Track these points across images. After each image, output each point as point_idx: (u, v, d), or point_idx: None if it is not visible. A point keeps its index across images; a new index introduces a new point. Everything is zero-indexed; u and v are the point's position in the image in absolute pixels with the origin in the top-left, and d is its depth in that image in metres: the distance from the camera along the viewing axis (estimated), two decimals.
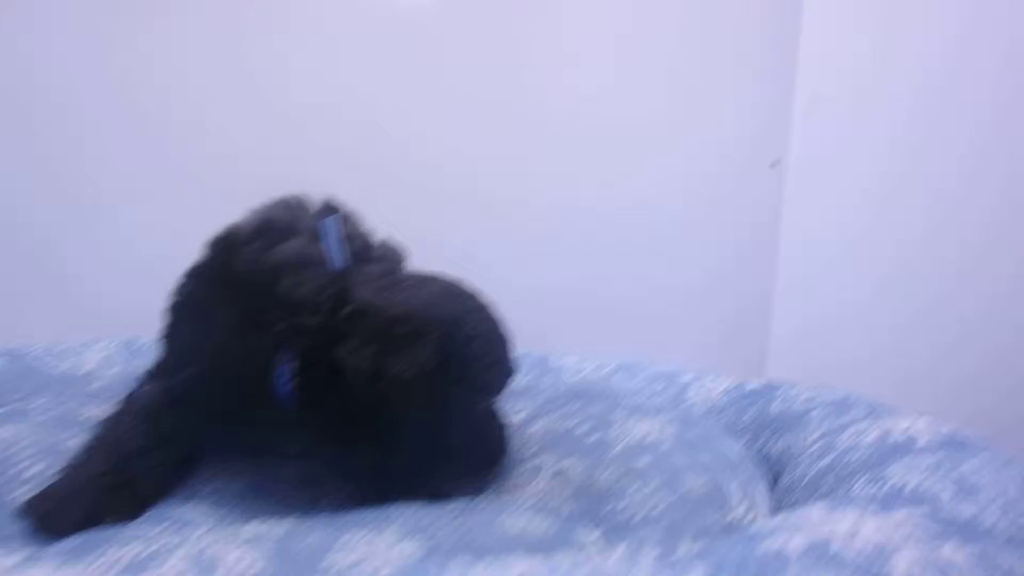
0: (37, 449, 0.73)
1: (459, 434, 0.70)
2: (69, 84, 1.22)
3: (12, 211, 1.23)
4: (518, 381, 0.91)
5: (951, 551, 0.48)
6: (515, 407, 0.86)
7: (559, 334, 1.27)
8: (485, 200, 1.28)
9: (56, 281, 1.23)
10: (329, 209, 0.77)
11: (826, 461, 0.66)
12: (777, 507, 0.68)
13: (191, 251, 0.74)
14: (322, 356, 0.64)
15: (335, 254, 0.72)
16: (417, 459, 0.69)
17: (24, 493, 0.66)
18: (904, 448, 0.62)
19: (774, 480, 0.74)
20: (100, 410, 0.79)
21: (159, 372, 0.76)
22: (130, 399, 0.76)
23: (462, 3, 1.27)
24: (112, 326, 1.02)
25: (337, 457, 0.73)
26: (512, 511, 0.65)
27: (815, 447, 0.70)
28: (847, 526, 0.50)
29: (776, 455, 0.75)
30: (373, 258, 0.76)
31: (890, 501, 0.54)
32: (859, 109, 1.27)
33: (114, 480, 0.66)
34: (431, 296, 0.70)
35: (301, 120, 1.25)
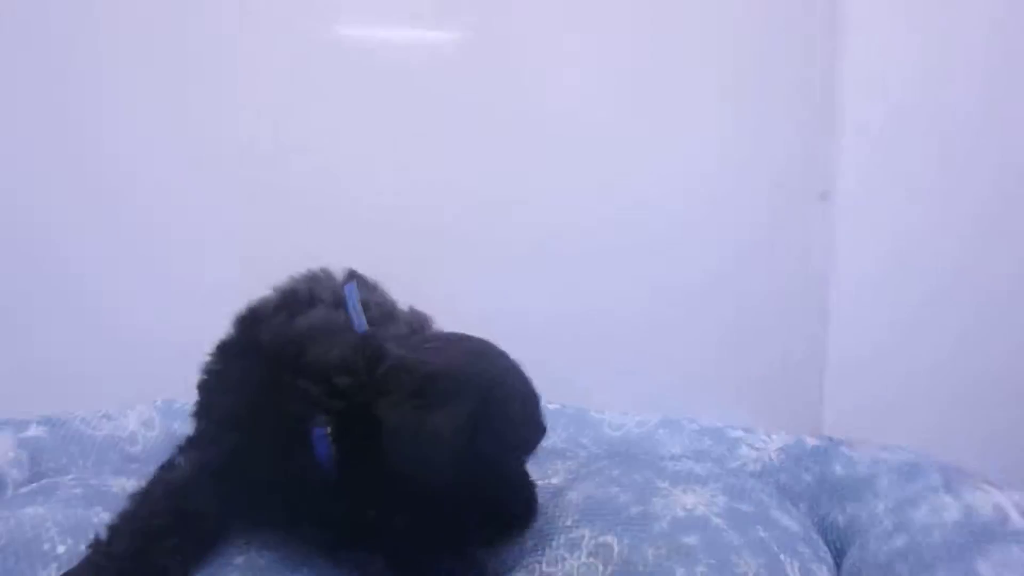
0: (67, 525, 0.72)
1: (494, 492, 0.69)
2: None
3: None
4: (556, 439, 0.87)
5: None
6: (553, 468, 0.82)
7: (593, 350, 1.20)
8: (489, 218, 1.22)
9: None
10: (351, 277, 0.78)
11: (900, 542, 0.59)
12: None
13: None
14: (360, 415, 0.64)
15: (359, 318, 0.72)
16: (454, 516, 0.67)
17: (51, 573, 0.65)
18: (992, 532, 0.54)
19: (838, 553, 0.67)
20: (135, 480, 0.78)
21: (191, 446, 0.77)
22: (160, 473, 0.75)
23: (463, 3, 1.24)
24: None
25: (374, 522, 0.71)
26: None
27: (886, 522, 0.63)
28: None
29: (840, 526, 0.68)
30: (400, 322, 0.76)
31: None
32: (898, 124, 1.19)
33: (136, 564, 0.64)
34: (465, 354, 0.71)
35: (299, 162, 1.19)
